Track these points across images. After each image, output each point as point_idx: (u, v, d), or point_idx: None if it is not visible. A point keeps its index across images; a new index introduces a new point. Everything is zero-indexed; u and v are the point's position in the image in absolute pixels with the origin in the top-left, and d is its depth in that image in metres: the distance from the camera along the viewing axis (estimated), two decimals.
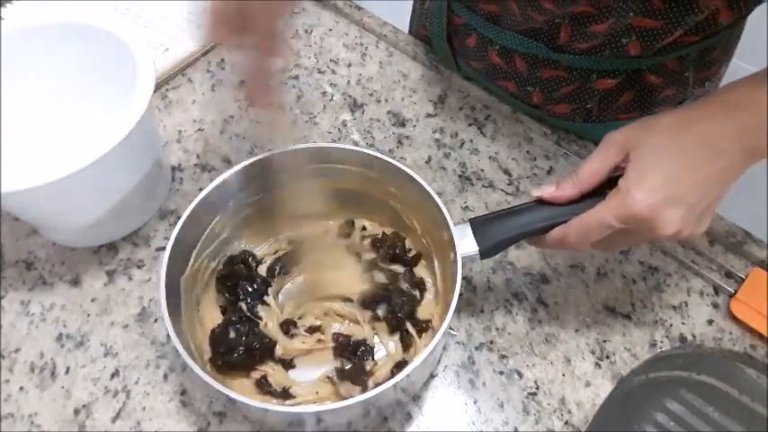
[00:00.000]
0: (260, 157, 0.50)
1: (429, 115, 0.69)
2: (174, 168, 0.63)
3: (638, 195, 0.41)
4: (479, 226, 0.47)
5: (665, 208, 0.41)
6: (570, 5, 0.55)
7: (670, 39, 0.55)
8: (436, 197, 0.48)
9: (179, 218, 0.47)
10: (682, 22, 0.53)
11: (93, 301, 0.54)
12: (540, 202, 0.46)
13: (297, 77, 0.72)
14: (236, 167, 0.50)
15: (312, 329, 0.51)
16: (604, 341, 0.54)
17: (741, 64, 0.69)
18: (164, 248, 0.45)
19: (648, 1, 0.52)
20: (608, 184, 0.44)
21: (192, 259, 0.49)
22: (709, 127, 0.43)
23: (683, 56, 0.59)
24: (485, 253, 0.47)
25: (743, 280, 0.56)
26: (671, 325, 0.55)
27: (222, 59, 0.72)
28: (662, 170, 0.42)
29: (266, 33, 0.43)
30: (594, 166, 0.44)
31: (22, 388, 0.49)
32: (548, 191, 0.46)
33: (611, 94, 0.63)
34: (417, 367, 0.41)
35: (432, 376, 0.51)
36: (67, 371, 0.50)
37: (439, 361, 0.52)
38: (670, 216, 0.41)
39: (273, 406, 0.41)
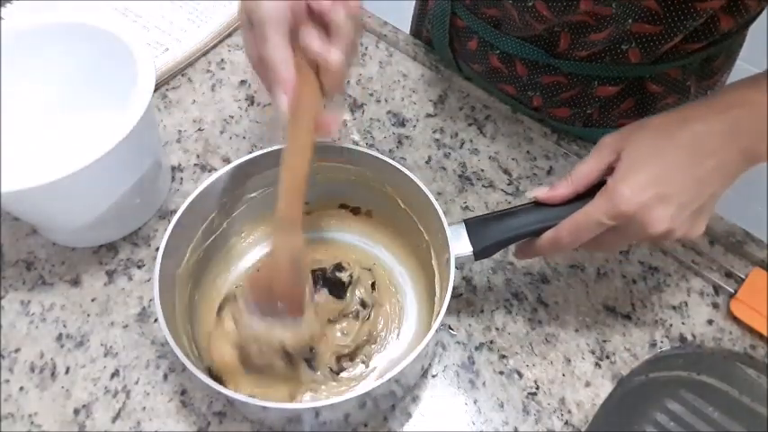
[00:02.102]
0: (257, 153, 0.50)
1: (429, 115, 0.69)
2: (174, 168, 0.63)
3: (625, 191, 0.41)
4: (474, 227, 0.47)
5: (654, 205, 0.41)
6: (567, 14, 0.55)
7: (670, 44, 0.55)
8: (431, 197, 0.48)
9: None
10: (681, 27, 0.53)
11: (93, 301, 0.54)
12: (536, 203, 0.47)
13: None
14: (232, 164, 0.50)
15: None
16: (604, 341, 0.54)
17: (743, 64, 0.69)
18: None
19: (646, 6, 0.52)
20: (602, 186, 0.44)
21: (188, 254, 0.49)
22: (700, 126, 0.42)
23: (685, 65, 0.59)
24: (479, 254, 0.47)
25: (743, 280, 0.56)
26: (671, 325, 0.55)
27: (222, 59, 0.72)
28: (650, 167, 0.42)
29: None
30: (589, 166, 0.45)
31: (22, 388, 0.49)
32: (542, 191, 0.46)
33: (611, 101, 0.63)
34: (410, 364, 0.41)
35: (432, 376, 0.51)
36: (67, 371, 0.50)
37: (438, 361, 0.52)
38: (658, 214, 0.41)
39: (272, 403, 0.41)
